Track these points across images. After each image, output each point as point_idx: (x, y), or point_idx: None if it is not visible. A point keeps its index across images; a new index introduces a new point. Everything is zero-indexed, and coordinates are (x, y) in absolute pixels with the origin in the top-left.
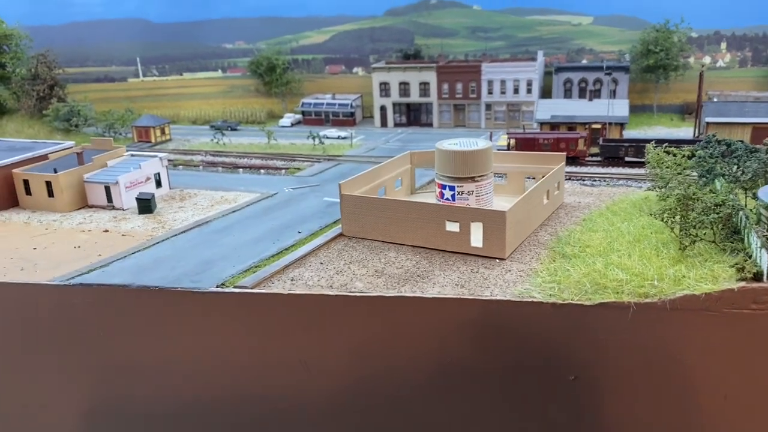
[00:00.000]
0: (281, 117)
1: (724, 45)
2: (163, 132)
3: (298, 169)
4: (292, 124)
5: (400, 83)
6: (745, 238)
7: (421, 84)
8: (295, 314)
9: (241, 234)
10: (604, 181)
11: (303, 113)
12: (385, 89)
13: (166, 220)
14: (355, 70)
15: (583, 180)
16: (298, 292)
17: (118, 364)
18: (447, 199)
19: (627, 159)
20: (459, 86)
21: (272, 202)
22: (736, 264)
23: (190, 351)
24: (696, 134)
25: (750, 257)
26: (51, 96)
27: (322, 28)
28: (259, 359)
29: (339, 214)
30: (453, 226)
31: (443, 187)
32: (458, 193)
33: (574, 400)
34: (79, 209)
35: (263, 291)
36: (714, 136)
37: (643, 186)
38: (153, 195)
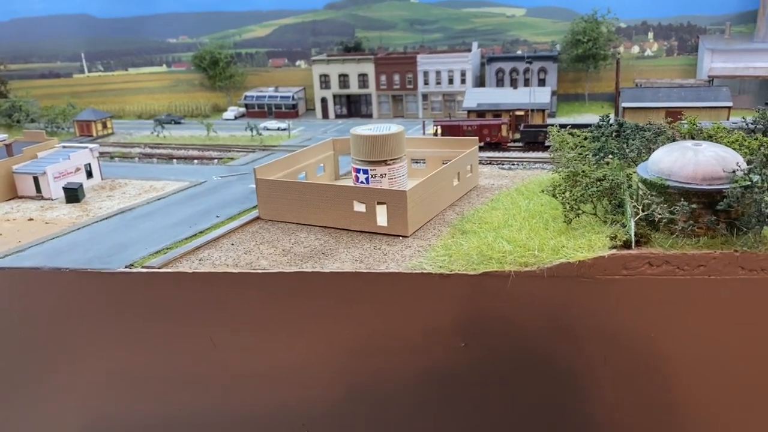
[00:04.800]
0: (225, 110)
1: (651, 35)
2: (104, 126)
3: (232, 159)
4: (236, 117)
5: (340, 75)
6: (625, 211)
7: (359, 75)
8: (200, 292)
9: (161, 219)
10: (522, 165)
11: (246, 106)
12: (325, 81)
13: (92, 208)
14: (298, 63)
15: (503, 164)
16: (202, 270)
17: (26, 346)
18: (362, 182)
19: (546, 144)
20: (396, 77)
21: (199, 190)
22: (613, 234)
23: (99, 331)
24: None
25: (624, 227)
26: None
27: (265, 21)
28: (167, 337)
29: None
30: (360, 207)
31: (358, 171)
32: (372, 176)
33: (463, 366)
34: (8, 200)
35: (168, 270)
36: (607, 116)
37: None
38: (81, 185)
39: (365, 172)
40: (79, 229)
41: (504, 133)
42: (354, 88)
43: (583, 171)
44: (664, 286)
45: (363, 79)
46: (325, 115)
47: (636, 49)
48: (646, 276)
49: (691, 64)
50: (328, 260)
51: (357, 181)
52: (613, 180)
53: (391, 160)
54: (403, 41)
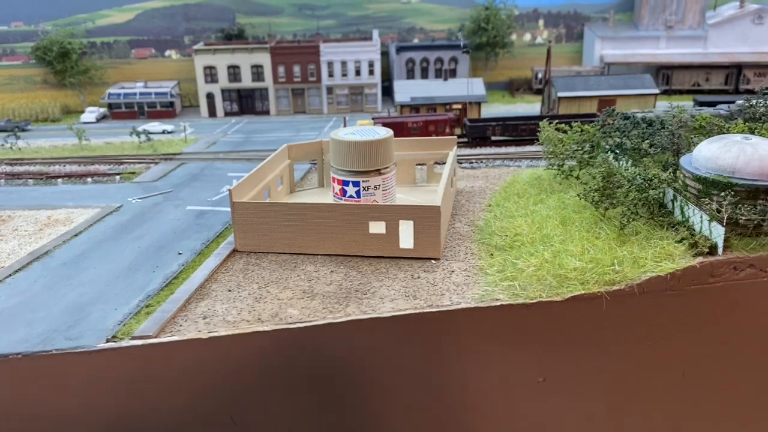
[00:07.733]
0: (81, 112)
1: (541, 22)
2: None
3: (133, 173)
4: (98, 120)
5: (229, 67)
6: (678, 212)
7: (253, 67)
8: (223, 362)
9: (104, 264)
10: (482, 162)
11: (110, 106)
12: (211, 74)
13: None
14: (167, 53)
15: (461, 163)
16: (221, 333)
17: None
18: (351, 196)
19: (493, 138)
20: (297, 69)
21: (122, 218)
22: (683, 239)
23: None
24: (548, 110)
25: (692, 231)
26: None
27: (124, 5)
28: (183, 424)
29: (214, 226)
30: (378, 227)
31: (345, 183)
32: (364, 189)
33: (544, 400)
34: None
35: (175, 339)
36: (613, 109)
37: (522, 164)
38: None
39: (355, 184)
40: None
41: (449, 129)
42: (247, 82)
43: (618, 171)
44: (751, 290)
45: (257, 71)
46: (212, 113)
47: (528, 37)
48: (731, 282)
49: (578, 51)
50: (372, 299)
51: (344, 195)
52: (664, 180)
53: (384, 168)
54: (292, 28)
